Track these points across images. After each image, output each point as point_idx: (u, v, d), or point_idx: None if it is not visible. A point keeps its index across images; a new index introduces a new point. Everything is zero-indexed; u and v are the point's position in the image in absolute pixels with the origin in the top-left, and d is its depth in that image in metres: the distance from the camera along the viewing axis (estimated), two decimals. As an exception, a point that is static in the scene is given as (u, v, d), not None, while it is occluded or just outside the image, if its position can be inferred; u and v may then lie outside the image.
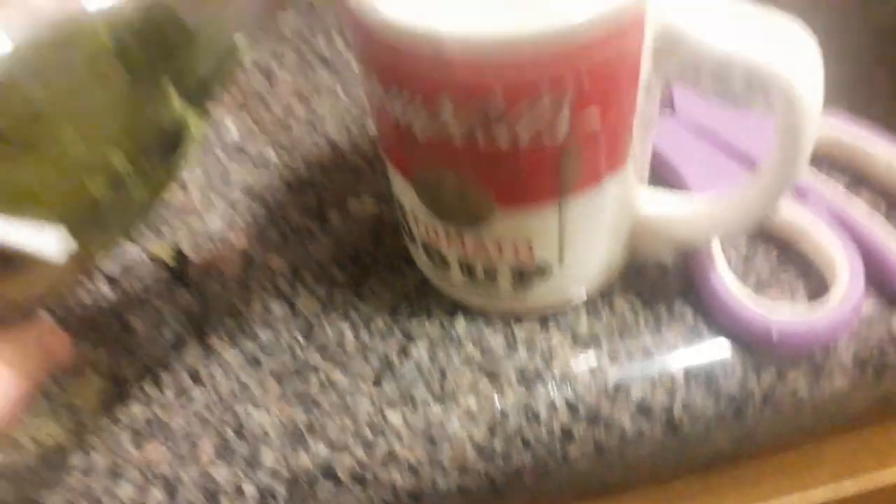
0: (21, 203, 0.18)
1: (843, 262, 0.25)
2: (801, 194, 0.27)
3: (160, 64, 0.19)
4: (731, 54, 0.20)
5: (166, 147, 0.20)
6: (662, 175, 0.30)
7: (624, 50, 0.19)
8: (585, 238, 0.24)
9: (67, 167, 0.19)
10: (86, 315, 0.28)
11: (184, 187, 0.32)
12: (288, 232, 0.30)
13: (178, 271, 0.29)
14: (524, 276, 0.25)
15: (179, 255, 0.30)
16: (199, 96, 0.20)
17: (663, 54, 0.20)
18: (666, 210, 0.26)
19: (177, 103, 0.20)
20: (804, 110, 0.20)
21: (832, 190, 0.27)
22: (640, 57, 0.20)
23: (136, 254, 0.30)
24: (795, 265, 0.27)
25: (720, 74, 0.32)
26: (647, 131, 0.24)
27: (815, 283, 0.27)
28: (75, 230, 0.19)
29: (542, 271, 0.25)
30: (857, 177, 0.29)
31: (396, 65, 0.20)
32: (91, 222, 0.19)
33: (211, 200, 0.32)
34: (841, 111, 0.30)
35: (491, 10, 0.19)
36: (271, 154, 0.33)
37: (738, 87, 0.32)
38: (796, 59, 0.19)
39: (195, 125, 0.20)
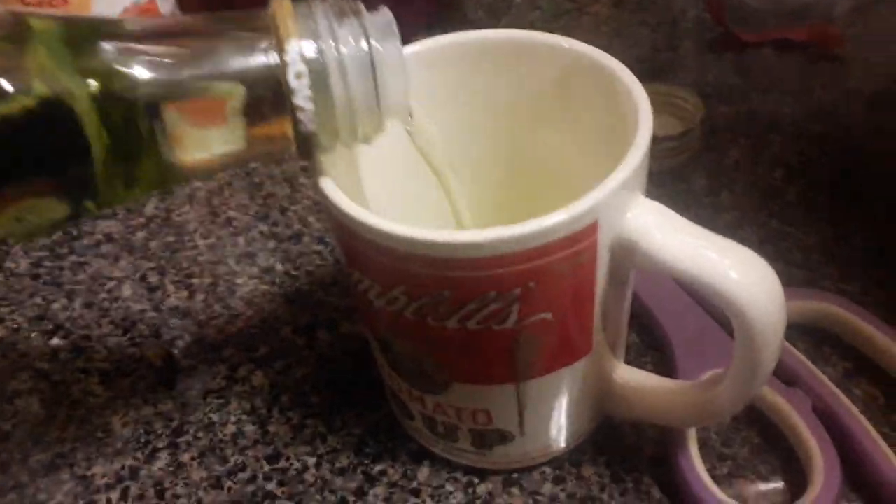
0: None
1: (819, 464, 0.24)
2: (789, 380, 0.26)
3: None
4: (686, 272, 0.19)
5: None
6: (654, 335, 0.29)
7: (575, 258, 0.19)
8: (548, 411, 0.24)
9: None
10: (72, 407, 0.30)
11: (190, 290, 0.34)
12: (276, 347, 0.31)
13: (166, 377, 0.30)
14: (485, 438, 0.25)
15: (169, 360, 0.31)
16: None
17: (622, 259, 0.20)
18: (641, 391, 0.25)
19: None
20: (758, 336, 0.19)
21: (821, 382, 0.26)
22: (594, 264, 0.20)
23: (132, 354, 0.31)
24: (777, 452, 0.26)
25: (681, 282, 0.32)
26: (618, 314, 0.23)
27: (795, 477, 0.25)
28: None
29: (502, 437, 0.25)
30: (860, 363, 0.28)
31: (355, 247, 0.20)
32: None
33: (212, 307, 0.33)
34: (854, 293, 0.29)
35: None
36: (278, 265, 0.34)
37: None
38: (752, 283, 0.19)
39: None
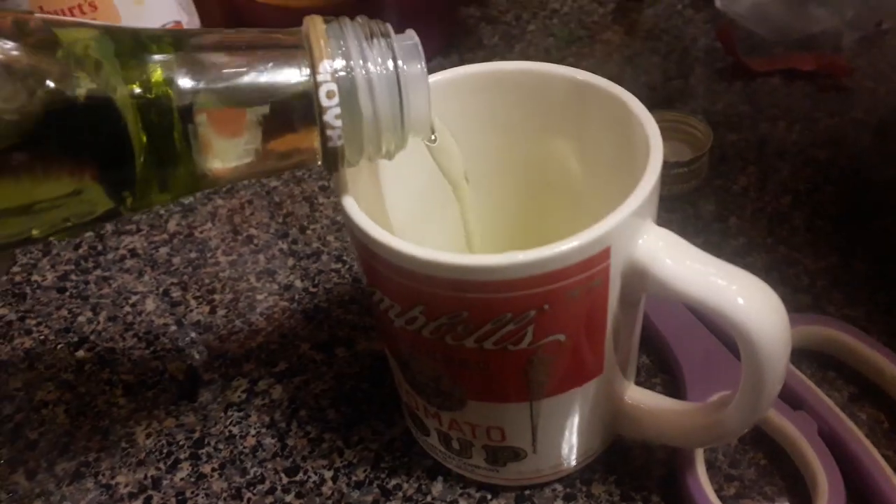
0: None
1: (824, 487, 0.25)
2: (796, 404, 0.27)
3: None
4: (695, 297, 0.20)
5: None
6: (664, 357, 0.30)
7: (589, 283, 0.20)
8: (561, 430, 0.25)
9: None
10: (96, 418, 0.31)
11: (211, 305, 0.35)
12: (295, 362, 0.32)
13: (188, 390, 0.31)
14: (498, 455, 0.26)
15: (191, 374, 0.32)
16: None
17: (633, 284, 0.21)
18: (651, 412, 0.26)
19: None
20: (764, 359, 0.20)
21: (827, 406, 0.27)
22: (606, 289, 0.21)
23: (155, 367, 0.32)
24: (783, 474, 0.27)
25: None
26: (629, 337, 0.24)
27: (800, 499, 0.26)
28: None
29: (515, 454, 0.25)
30: (865, 387, 0.29)
31: (376, 267, 0.21)
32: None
33: (233, 322, 0.34)
34: (859, 319, 0.30)
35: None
36: (297, 282, 0.35)
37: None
38: (759, 310, 0.20)
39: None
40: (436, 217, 0.27)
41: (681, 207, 0.36)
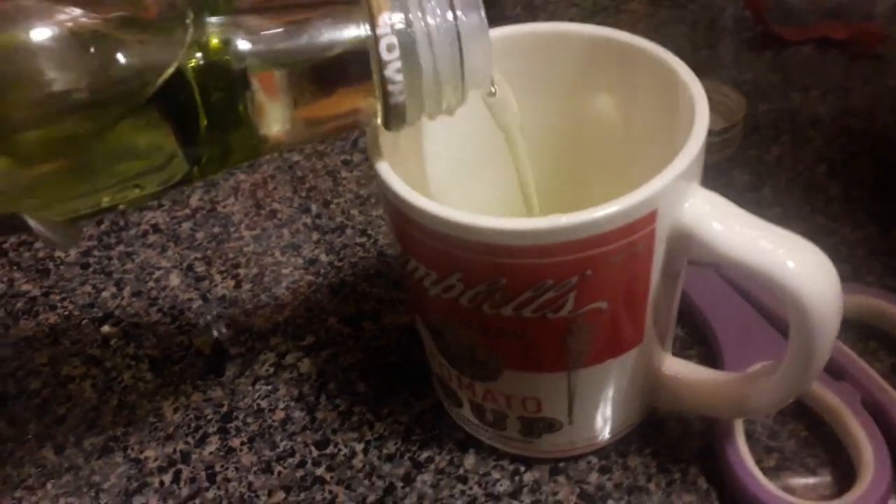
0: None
1: (869, 457, 0.24)
2: (837, 375, 0.26)
3: None
4: (743, 261, 0.19)
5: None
6: (699, 330, 0.30)
7: (632, 248, 0.19)
8: (597, 401, 0.24)
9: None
10: (123, 393, 0.30)
11: (236, 279, 0.34)
12: (322, 336, 0.32)
13: (215, 364, 0.31)
14: (533, 426, 0.25)
15: (218, 348, 0.31)
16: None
17: (678, 249, 0.20)
18: (689, 382, 0.25)
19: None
20: (815, 325, 0.19)
21: (870, 377, 0.26)
22: (651, 254, 0.20)
23: (181, 342, 0.32)
24: (825, 446, 0.26)
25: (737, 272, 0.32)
26: (669, 305, 0.24)
27: (843, 471, 0.25)
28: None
29: (550, 425, 0.25)
30: (906, 358, 0.28)
31: (411, 234, 0.21)
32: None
33: (259, 296, 0.33)
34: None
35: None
36: (322, 256, 0.35)
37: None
38: (810, 273, 0.19)
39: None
40: (474, 183, 0.27)
41: (714, 177, 0.35)
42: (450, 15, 0.19)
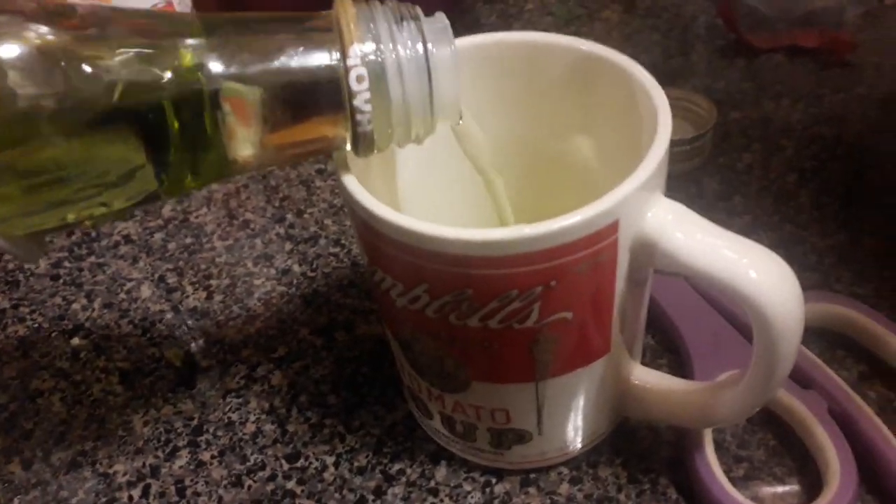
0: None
1: (835, 466, 0.24)
2: (805, 383, 0.27)
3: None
4: (705, 271, 0.19)
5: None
6: (669, 339, 0.30)
7: (596, 258, 0.20)
8: (566, 411, 0.24)
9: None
10: (92, 407, 0.30)
11: (208, 290, 0.34)
12: (294, 347, 0.31)
13: (186, 377, 0.31)
14: (503, 438, 0.25)
15: (189, 361, 0.31)
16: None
17: (642, 259, 0.20)
18: (657, 392, 0.25)
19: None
20: (777, 334, 0.19)
21: (836, 385, 0.26)
22: (614, 264, 0.20)
23: (152, 354, 0.32)
24: (793, 455, 0.26)
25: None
26: (636, 315, 0.24)
27: (810, 479, 0.25)
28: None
29: (520, 437, 0.25)
30: (874, 365, 0.28)
31: (378, 245, 0.21)
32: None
33: (230, 307, 0.33)
34: (868, 296, 0.29)
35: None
36: (295, 267, 0.35)
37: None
38: (772, 283, 0.19)
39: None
40: (442, 197, 0.27)
41: (684, 186, 0.36)
42: (420, 47, 0.19)
